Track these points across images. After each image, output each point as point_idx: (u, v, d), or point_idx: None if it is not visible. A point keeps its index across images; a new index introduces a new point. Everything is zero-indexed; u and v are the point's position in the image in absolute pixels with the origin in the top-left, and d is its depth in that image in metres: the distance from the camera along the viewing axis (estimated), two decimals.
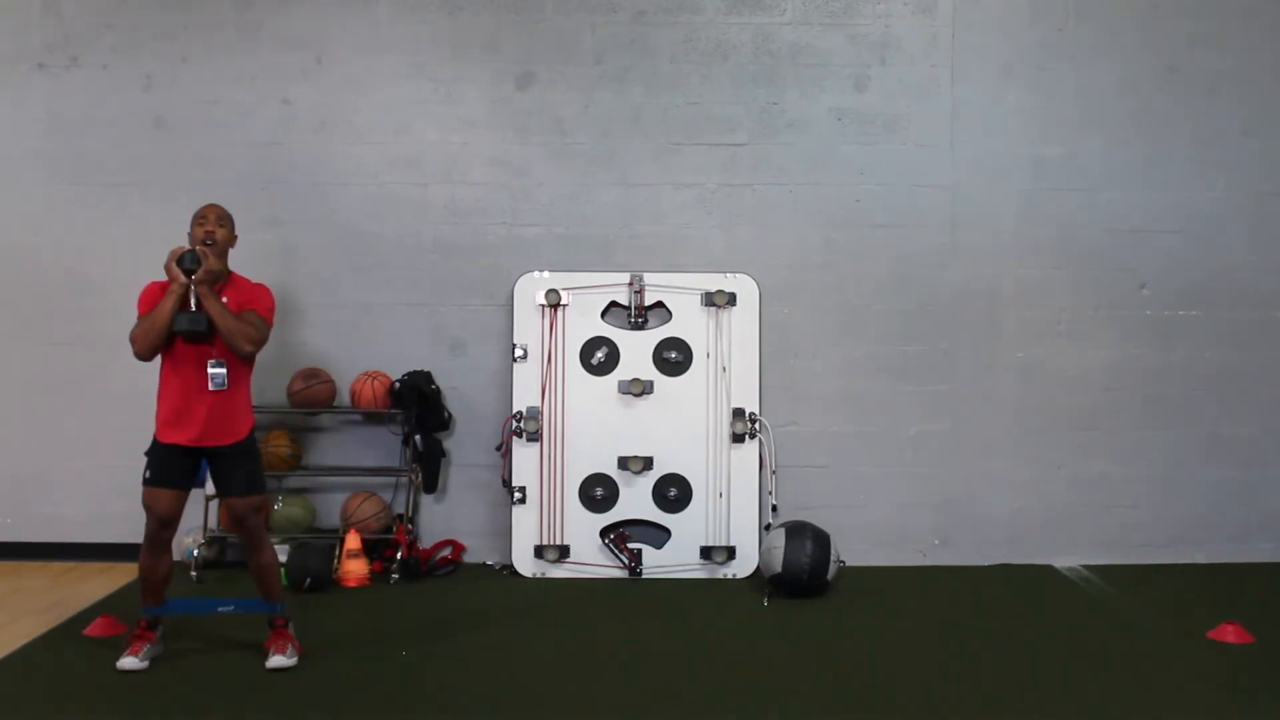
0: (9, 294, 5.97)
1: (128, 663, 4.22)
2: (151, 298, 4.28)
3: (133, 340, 4.22)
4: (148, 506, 4.24)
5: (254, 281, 4.51)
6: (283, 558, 5.06)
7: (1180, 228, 5.97)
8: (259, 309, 4.38)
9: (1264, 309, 6.02)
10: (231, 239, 4.45)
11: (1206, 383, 6.01)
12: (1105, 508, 6.00)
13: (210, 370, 4.25)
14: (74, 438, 5.93)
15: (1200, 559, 5.99)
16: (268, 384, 5.55)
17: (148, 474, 4.29)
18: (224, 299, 4.28)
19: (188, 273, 4.17)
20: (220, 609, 4.66)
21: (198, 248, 4.25)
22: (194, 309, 4.18)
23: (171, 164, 5.91)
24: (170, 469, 4.29)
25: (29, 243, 5.95)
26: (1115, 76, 5.94)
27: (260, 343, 4.34)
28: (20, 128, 5.93)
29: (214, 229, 4.36)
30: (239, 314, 4.28)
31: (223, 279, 4.36)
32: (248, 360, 4.36)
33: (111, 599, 5.16)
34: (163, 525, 4.24)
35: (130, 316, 4.15)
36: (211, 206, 4.45)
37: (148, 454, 4.31)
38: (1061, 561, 5.97)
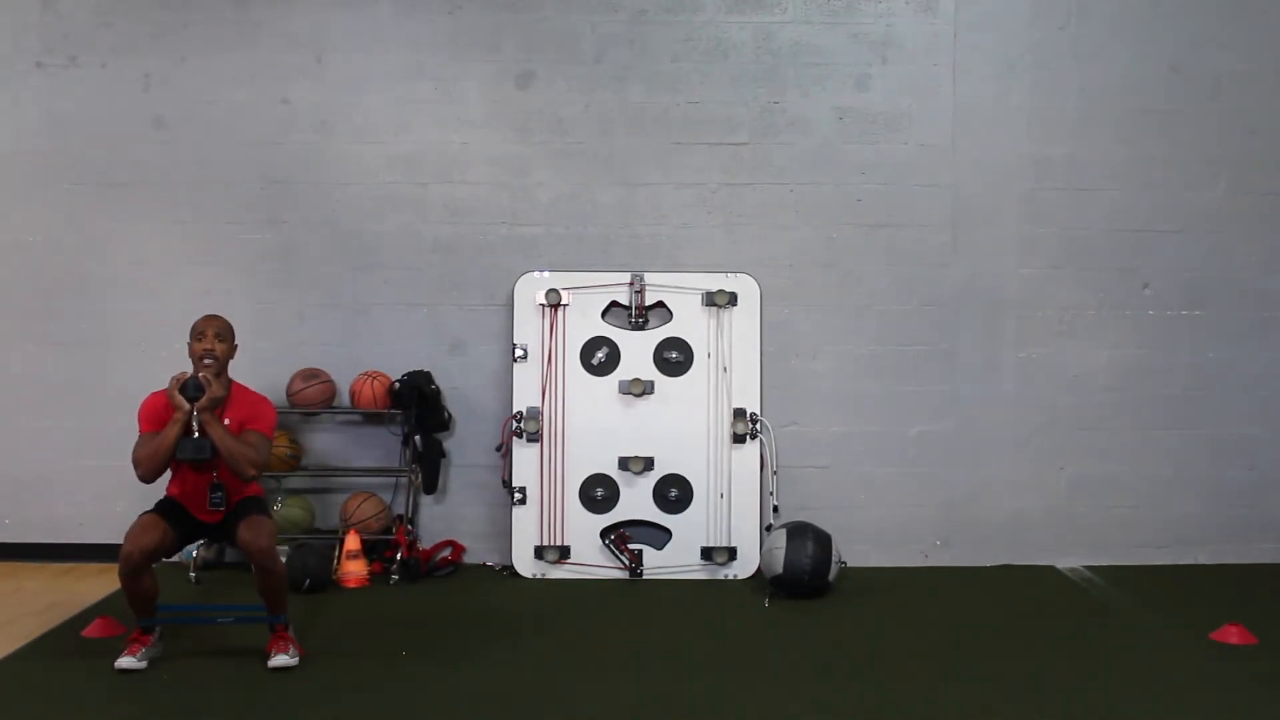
0: (9, 294, 5.95)
1: (126, 662, 4.21)
2: (153, 412, 4.27)
3: (136, 463, 4.22)
4: (135, 538, 4.12)
5: (254, 393, 4.49)
6: (283, 558, 5.04)
7: (1182, 227, 5.95)
8: (261, 427, 4.37)
9: (1267, 309, 6.00)
10: (231, 351, 4.40)
11: (1209, 383, 5.99)
12: (1107, 508, 5.98)
13: (210, 494, 4.29)
14: (73, 438, 5.91)
15: (1203, 559, 5.97)
16: (268, 384, 5.52)
17: (151, 507, 4.30)
18: (225, 421, 4.28)
19: (190, 400, 4.16)
20: (220, 620, 4.63)
21: (200, 375, 4.22)
22: (197, 434, 4.17)
23: (171, 164, 5.90)
24: (177, 513, 4.33)
25: (28, 243, 5.93)
26: (1117, 76, 5.92)
27: (262, 465, 4.34)
28: (18, 127, 5.91)
29: (213, 345, 4.31)
30: (241, 435, 4.27)
31: (223, 398, 4.33)
32: (249, 482, 4.36)
33: (110, 600, 5.13)
34: (144, 556, 4.14)
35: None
36: (209, 321, 4.37)
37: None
38: (1063, 562, 5.95)
